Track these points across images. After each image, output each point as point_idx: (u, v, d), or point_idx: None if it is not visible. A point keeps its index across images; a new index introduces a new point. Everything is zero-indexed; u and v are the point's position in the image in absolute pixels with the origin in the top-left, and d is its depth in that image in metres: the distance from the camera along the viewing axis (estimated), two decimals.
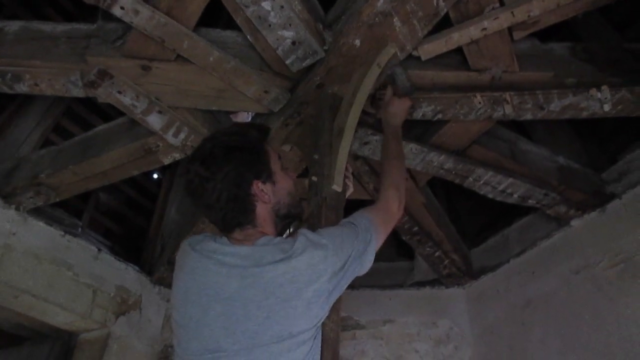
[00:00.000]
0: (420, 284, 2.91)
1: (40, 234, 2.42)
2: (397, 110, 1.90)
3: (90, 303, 2.46)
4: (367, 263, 1.41)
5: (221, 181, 1.30)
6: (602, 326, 2.18)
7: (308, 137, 1.99)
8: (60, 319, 2.46)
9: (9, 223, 2.32)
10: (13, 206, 2.35)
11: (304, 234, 1.29)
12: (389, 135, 1.85)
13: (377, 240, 1.45)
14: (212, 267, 1.27)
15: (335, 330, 1.44)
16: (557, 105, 2.00)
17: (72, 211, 2.74)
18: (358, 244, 1.37)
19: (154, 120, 2.04)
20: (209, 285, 1.25)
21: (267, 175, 1.36)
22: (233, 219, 1.33)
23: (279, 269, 1.22)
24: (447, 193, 3.21)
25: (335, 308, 1.47)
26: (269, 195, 1.35)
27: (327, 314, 1.30)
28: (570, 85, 2.01)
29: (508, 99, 1.97)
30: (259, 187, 1.33)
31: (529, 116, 2.04)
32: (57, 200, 2.40)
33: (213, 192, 1.31)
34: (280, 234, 1.42)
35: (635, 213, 2.18)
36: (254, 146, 1.39)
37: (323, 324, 1.39)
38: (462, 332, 2.76)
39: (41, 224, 2.44)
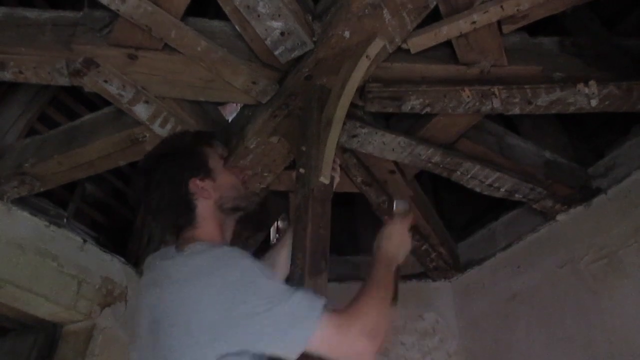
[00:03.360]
0: (407, 277, 2.92)
1: (24, 224, 2.38)
2: (393, 232, 1.54)
3: (75, 294, 2.43)
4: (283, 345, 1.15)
5: (158, 186, 1.38)
6: (586, 319, 2.21)
7: (296, 128, 1.98)
8: (44, 310, 2.43)
9: None
10: None
11: (211, 252, 1.25)
12: (374, 260, 1.49)
13: (309, 338, 1.15)
14: (143, 288, 1.32)
15: None
16: (545, 100, 2.01)
17: (57, 202, 2.70)
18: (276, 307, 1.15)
19: (141, 110, 2.01)
20: (139, 311, 1.28)
21: (205, 173, 1.42)
22: (176, 221, 1.39)
23: (173, 291, 1.20)
24: (434, 186, 3.22)
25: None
26: (209, 191, 1.41)
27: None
28: (558, 80, 2.02)
29: (496, 93, 1.98)
30: (198, 184, 1.40)
31: (516, 110, 2.04)
32: (42, 190, 2.37)
33: (154, 199, 1.39)
34: (238, 229, 1.53)
35: (621, 208, 2.20)
36: (187, 148, 1.47)
37: None
38: (448, 325, 2.78)
39: (26, 214, 2.40)
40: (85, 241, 2.56)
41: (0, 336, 2.75)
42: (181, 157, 1.43)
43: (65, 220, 2.61)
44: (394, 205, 1.64)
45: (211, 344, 1.12)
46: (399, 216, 1.59)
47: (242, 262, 1.22)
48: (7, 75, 1.95)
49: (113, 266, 2.68)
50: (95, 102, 2.72)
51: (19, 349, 2.59)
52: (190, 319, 1.14)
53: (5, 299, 2.35)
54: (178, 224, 1.40)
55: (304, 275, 1.48)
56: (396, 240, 1.52)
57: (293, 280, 1.52)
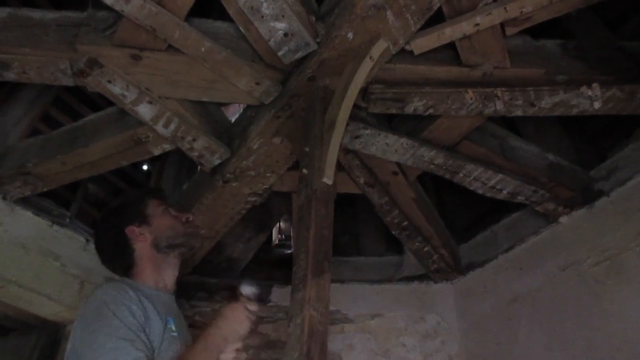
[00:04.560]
0: (409, 279, 2.92)
1: (27, 224, 2.39)
2: (232, 314, 1.51)
3: (77, 294, 2.43)
4: None
5: (104, 236, 1.65)
6: (588, 322, 2.20)
7: (299, 129, 1.98)
8: (47, 309, 2.44)
9: None
10: (0, 196, 2.32)
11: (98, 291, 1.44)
12: (202, 333, 1.48)
13: None
14: None
15: (323, 323, 1.45)
16: (548, 102, 2.01)
17: (60, 202, 2.70)
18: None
19: (144, 111, 2.02)
20: None
21: (141, 220, 1.63)
22: (119, 262, 1.60)
23: None
24: (436, 188, 3.22)
25: (323, 301, 1.48)
26: (144, 235, 1.61)
27: None
28: (561, 82, 2.02)
29: (499, 95, 1.98)
30: (134, 231, 1.61)
31: (519, 112, 2.04)
32: (45, 190, 2.37)
33: (102, 247, 1.65)
34: (179, 262, 1.68)
35: (623, 211, 2.20)
36: (127, 201, 1.74)
37: (311, 317, 1.41)
38: (449, 327, 2.77)
39: (29, 213, 2.40)
40: (88, 241, 2.55)
41: (3, 336, 2.75)
42: (122, 210, 1.68)
43: (68, 220, 2.61)
44: (241, 288, 1.58)
45: None
46: (244, 300, 1.55)
47: (101, 300, 1.38)
48: (11, 75, 1.95)
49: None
50: (98, 102, 2.73)
51: (21, 349, 2.60)
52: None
53: (8, 299, 2.35)
54: (122, 264, 1.60)
55: (307, 276, 1.48)
56: (232, 323, 1.49)
57: (295, 281, 1.53)
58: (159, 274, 1.62)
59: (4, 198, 2.33)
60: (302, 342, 1.39)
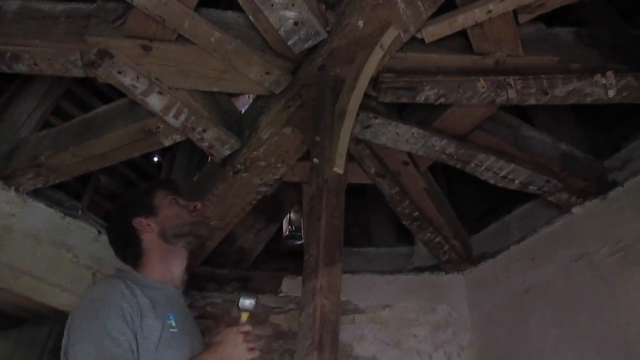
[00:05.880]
0: (420, 270, 2.91)
1: (40, 216, 2.41)
2: (227, 339, 1.42)
3: (90, 285, 2.45)
4: None
5: (113, 229, 1.70)
6: (601, 313, 2.18)
7: (309, 119, 1.98)
8: (60, 300, 2.45)
9: (9, 205, 2.31)
10: (13, 188, 2.33)
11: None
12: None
13: None
14: None
15: (335, 312, 1.44)
16: (562, 91, 1.98)
17: (71, 194, 2.72)
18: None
19: (154, 102, 2.02)
20: None
21: (148, 211, 1.65)
22: (128, 253, 1.62)
23: None
24: (447, 179, 3.20)
25: (335, 290, 1.47)
26: (151, 226, 1.62)
27: None
28: (574, 71, 1.99)
29: (512, 83, 1.96)
30: (141, 222, 1.62)
31: (532, 101, 2.02)
32: (57, 181, 2.39)
33: (113, 239, 1.67)
34: (186, 254, 1.67)
35: (637, 201, 2.16)
36: (136, 194, 1.79)
37: (323, 306, 1.41)
38: (460, 318, 2.76)
39: (41, 205, 2.42)
40: (99, 232, 2.57)
41: (18, 326, 2.78)
42: (130, 203, 1.71)
43: (79, 211, 2.63)
44: (239, 304, 1.49)
45: None
46: (242, 321, 1.46)
47: (90, 301, 1.40)
48: (22, 68, 1.96)
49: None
50: (109, 94, 2.74)
51: (36, 339, 2.62)
52: None
53: (22, 290, 2.37)
54: (131, 256, 1.61)
55: (318, 265, 1.48)
56: (227, 349, 1.40)
57: (307, 270, 1.53)
58: (166, 265, 1.62)
59: (17, 190, 2.34)
60: (314, 331, 1.39)
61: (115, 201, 1.88)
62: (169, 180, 2.08)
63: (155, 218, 1.64)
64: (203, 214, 1.79)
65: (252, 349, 1.41)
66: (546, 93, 1.99)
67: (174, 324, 1.45)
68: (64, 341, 1.35)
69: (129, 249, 1.63)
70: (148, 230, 1.62)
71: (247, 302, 1.49)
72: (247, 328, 1.43)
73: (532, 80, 1.96)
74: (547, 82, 1.96)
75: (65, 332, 1.37)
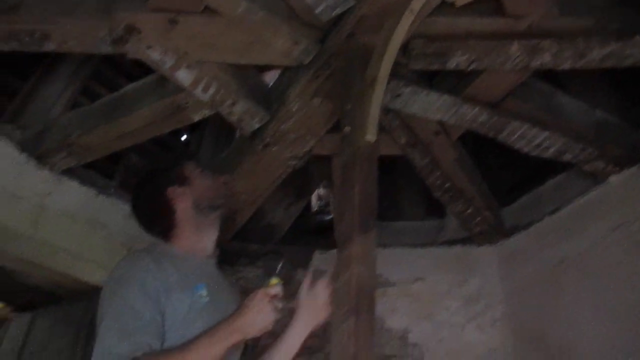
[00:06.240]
0: (451, 242, 2.88)
1: (74, 194, 2.44)
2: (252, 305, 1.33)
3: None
4: None
5: (144, 199, 1.63)
6: (638, 285, 2.12)
7: (339, 89, 1.95)
8: (95, 276, 2.50)
9: (44, 183, 2.35)
10: (47, 167, 2.37)
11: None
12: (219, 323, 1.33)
13: None
14: None
15: (371, 279, 1.44)
16: (598, 54, 1.92)
17: (104, 173, 2.76)
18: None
19: (183, 76, 2.01)
20: None
21: (181, 181, 1.61)
22: (160, 224, 1.57)
23: None
24: (477, 151, 3.15)
25: (370, 257, 1.46)
26: (186, 195, 1.59)
27: None
28: (612, 32, 1.92)
29: (546, 46, 1.90)
30: (175, 192, 1.58)
31: (567, 65, 1.96)
32: (89, 160, 2.42)
33: (142, 210, 1.63)
34: (218, 224, 1.64)
35: None
36: (165, 164, 1.77)
37: (359, 273, 1.40)
38: (493, 291, 2.73)
39: (75, 184, 2.46)
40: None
41: (55, 304, 2.86)
42: (159, 172, 1.68)
43: (112, 190, 2.67)
44: (267, 269, 1.43)
45: None
46: (269, 285, 1.38)
47: (116, 276, 1.38)
48: (52, 46, 1.96)
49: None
50: (136, 74, 2.75)
51: (73, 315, 2.69)
52: None
53: (59, 266, 2.43)
54: (163, 226, 1.57)
55: (353, 233, 1.47)
56: (251, 314, 1.31)
57: (341, 239, 1.52)
58: (199, 235, 1.59)
59: (51, 169, 2.38)
60: (350, 298, 1.38)
61: (141, 172, 1.81)
62: (191, 154, 2.04)
63: (189, 188, 1.61)
64: (230, 189, 1.79)
65: (278, 312, 1.33)
66: (582, 56, 1.92)
67: (205, 294, 1.43)
68: (97, 319, 1.35)
69: (160, 219, 1.58)
70: (182, 200, 1.58)
71: (273, 266, 1.44)
72: (274, 291, 1.36)
73: (568, 43, 1.90)
74: (583, 44, 1.90)
75: (99, 307, 1.37)
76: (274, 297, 1.34)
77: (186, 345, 1.25)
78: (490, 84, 2.12)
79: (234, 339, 1.28)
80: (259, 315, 1.30)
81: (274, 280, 1.40)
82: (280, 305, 1.34)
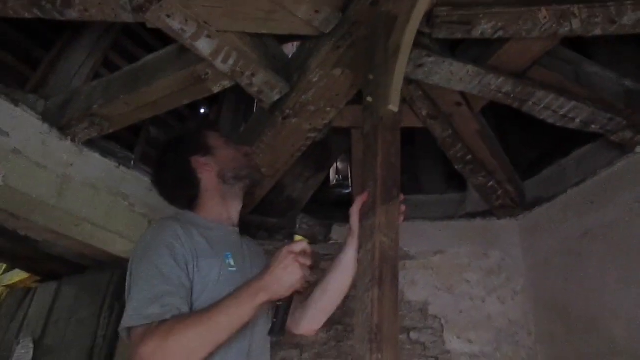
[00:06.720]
0: (472, 215, 2.86)
1: (96, 165, 2.47)
2: (278, 263, 1.30)
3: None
4: None
5: (167, 167, 1.62)
6: None
7: (360, 59, 1.91)
8: (119, 247, 2.54)
9: (67, 154, 2.37)
10: (69, 138, 2.39)
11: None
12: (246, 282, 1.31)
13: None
14: None
15: (394, 249, 1.43)
16: (631, 18, 1.84)
17: (124, 145, 2.77)
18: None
19: (203, 46, 1.99)
20: None
21: (205, 150, 1.61)
22: (184, 194, 1.59)
23: None
24: (498, 124, 3.10)
25: (393, 227, 1.45)
26: (210, 165, 1.59)
27: None
28: None
29: (576, 12, 1.83)
30: (199, 161, 1.59)
31: (598, 31, 1.89)
32: (110, 131, 2.43)
33: (166, 178, 1.63)
34: (242, 195, 1.66)
35: None
36: (188, 132, 1.71)
37: (382, 242, 1.39)
38: (514, 263, 2.72)
39: (97, 155, 2.48)
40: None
41: (80, 274, 2.91)
42: (184, 141, 1.66)
43: (132, 162, 2.68)
44: (297, 228, 1.39)
45: None
46: (297, 244, 1.33)
47: (145, 243, 1.39)
48: (73, 14, 1.95)
49: None
50: (156, 46, 2.74)
51: (97, 285, 2.74)
52: None
53: (82, 237, 2.46)
54: (187, 196, 1.59)
55: (376, 202, 1.45)
56: (278, 272, 1.28)
57: (365, 209, 1.51)
58: (224, 205, 1.59)
59: (73, 140, 2.40)
60: (373, 267, 1.37)
61: (163, 141, 1.78)
62: (213, 122, 2.01)
63: (213, 158, 1.61)
64: (255, 159, 1.78)
65: (305, 269, 1.29)
66: (613, 22, 1.85)
67: (232, 263, 1.44)
68: (126, 285, 1.37)
69: (184, 189, 1.59)
70: (207, 169, 1.58)
71: (297, 224, 1.41)
72: (298, 247, 1.31)
73: (598, 7, 1.83)
74: (614, 9, 1.83)
75: (128, 276, 1.38)
76: (300, 253, 1.31)
77: (213, 307, 1.24)
78: (515, 52, 2.06)
79: (261, 298, 1.25)
80: (285, 273, 1.27)
81: (298, 237, 1.39)
82: (307, 262, 1.31)
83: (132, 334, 1.24)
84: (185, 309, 1.27)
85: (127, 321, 1.24)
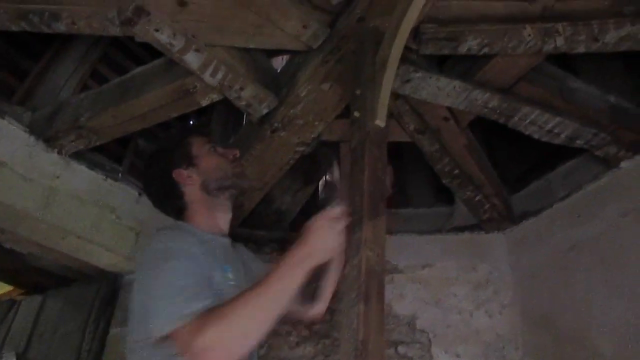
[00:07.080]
0: (459, 229, 2.87)
1: (83, 178, 2.45)
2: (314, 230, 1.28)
3: (133, 245, 2.50)
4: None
5: (152, 181, 1.62)
6: None
7: (348, 73, 1.93)
8: (105, 260, 2.52)
9: (53, 166, 2.35)
10: (56, 150, 2.37)
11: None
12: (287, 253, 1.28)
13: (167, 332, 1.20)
14: None
15: (380, 264, 1.43)
16: (613, 37, 1.88)
17: (112, 158, 2.76)
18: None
19: (192, 60, 2.00)
20: None
21: (187, 162, 1.58)
22: (171, 207, 1.58)
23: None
24: (486, 139, 3.12)
25: (379, 242, 1.46)
26: (193, 177, 1.56)
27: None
28: (628, 14, 1.88)
29: (560, 30, 1.87)
30: (182, 174, 1.56)
31: (581, 49, 1.92)
32: (98, 143, 2.41)
33: (151, 193, 1.63)
34: (230, 204, 1.63)
35: None
36: (170, 143, 1.67)
37: (368, 258, 1.39)
38: (501, 277, 2.72)
39: (83, 167, 2.46)
40: (140, 194, 2.60)
41: (66, 287, 2.88)
42: (166, 152, 1.62)
43: (120, 174, 2.67)
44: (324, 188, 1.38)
45: None
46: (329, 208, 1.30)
47: (159, 247, 1.36)
48: (61, 27, 1.95)
49: (167, 219, 2.72)
50: (145, 59, 2.74)
51: (83, 298, 2.72)
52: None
53: (68, 250, 2.44)
54: (175, 208, 1.57)
55: (363, 218, 1.46)
56: (316, 242, 1.26)
57: (352, 223, 1.51)
58: (212, 217, 1.57)
59: (60, 152, 2.38)
60: (359, 283, 1.38)
61: (150, 151, 1.77)
62: (201, 125, 1.98)
63: (196, 169, 1.57)
64: (242, 164, 1.72)
65: (340, 235, 1.27)
66: (596, 40, 1.89)
67: (230, 276, 1.42)
68: (137, 298, 1.33)
69: (170, 201, 1.57)
70: (189, 182, 1.56)
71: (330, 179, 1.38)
72: (332, 212, 1.28)
73: (582, 25, 1.87)
74: (597, 27, 1.87)
75: (137, 292, 1.35)
76: (335, 218, 1.28)
77: (256, 286, 1.20)
78: (501, 68, 2.09)
79: (303, 268, 1.22)
80: (321, 239, 1.26)
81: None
82: (341, 225, 1.29)
83: (177, 336, 1.17)
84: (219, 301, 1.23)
85: (165, 326, 1.18)
